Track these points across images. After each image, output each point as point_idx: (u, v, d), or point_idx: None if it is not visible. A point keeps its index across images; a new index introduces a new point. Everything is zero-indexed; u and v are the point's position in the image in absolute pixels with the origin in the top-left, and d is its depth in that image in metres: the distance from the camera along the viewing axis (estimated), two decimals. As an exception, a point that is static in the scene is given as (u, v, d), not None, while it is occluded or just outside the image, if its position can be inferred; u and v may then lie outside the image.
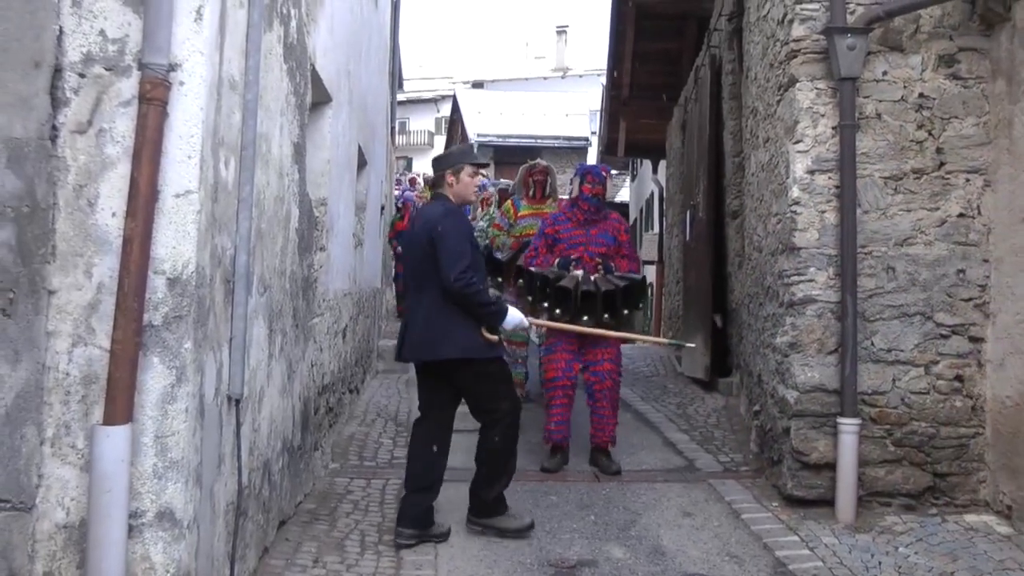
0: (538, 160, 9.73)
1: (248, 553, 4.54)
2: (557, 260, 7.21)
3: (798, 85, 6.17)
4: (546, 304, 7.01)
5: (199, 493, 3.61)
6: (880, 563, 5.15)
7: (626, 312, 7.22)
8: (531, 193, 9.06)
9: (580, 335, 7.01)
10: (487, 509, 5.64)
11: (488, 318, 5.43)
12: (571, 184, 7.83)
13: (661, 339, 5.50)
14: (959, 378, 5.97)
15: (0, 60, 3.27)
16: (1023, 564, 5.06)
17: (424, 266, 5.42)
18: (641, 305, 7.41)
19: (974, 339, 5.98)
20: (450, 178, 5.60)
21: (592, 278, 6.99)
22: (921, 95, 6.08)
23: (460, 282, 5.21)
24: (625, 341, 5.40)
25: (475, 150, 5.96)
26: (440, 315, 5.34)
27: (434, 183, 5.86)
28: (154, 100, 3.36)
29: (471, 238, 5.56)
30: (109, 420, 3.26)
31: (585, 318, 6.90)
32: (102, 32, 3.44)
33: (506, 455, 5.59)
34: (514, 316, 5.57)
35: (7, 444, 3.25)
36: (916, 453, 5.96)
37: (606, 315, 6.99)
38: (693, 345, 6.25)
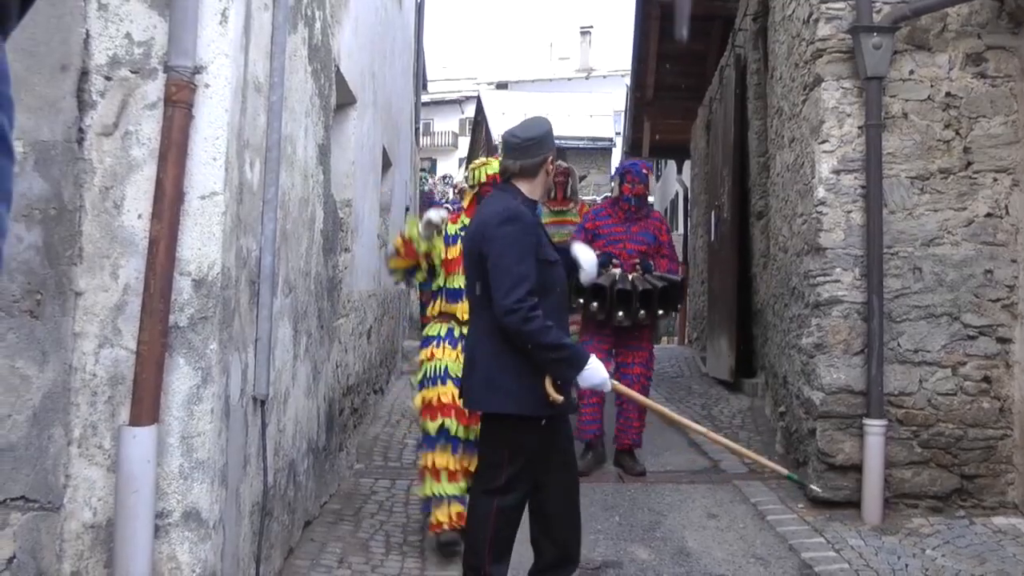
0: (559, 161, 9.71)
1: (273, 553, 4.56)
2: (597, 256, 7.11)
3: (824, 84, 6.14)
4: (581, 300, 6.89)
5: (225, 493, 3.63)
6: (907, 565, 5.12)
7: (661, 312, 7.09)
8: (552, 195, 9.04)
9: (615, 333, 6.94)
10: None
11: (554, 367, 3.99)
12: (612, 183, 7.71)
13: (776, 466, 4.34)
14: (986, 379, 5.92)
15: (27, 63, 3.30)
16: (1052, 567, 5.02)
17: (474, 283, 4.23)
18: (680, 306, 7.09)
19: (1002, 340, 5.92)
20: (550, 167, 4.34)
21: (630, 277, 6.89)
22: (948, 94, 6.03)
23: (515, 315, 3.88)
24: (737, 454, 4.76)
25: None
26: (490, 351, 4.10)
27: (510, 173, 4.31)
28: (180, 102, 3.37)
29: (540, 251, 4.09)
30: (135, 421, 3.28)
31: (620, 314, 6.77)
32: (128, 35, 3.46)
33: (487, 546, 4.16)
34: (594, 371, 4.00)
35: (35, 444, 3.28)
36: (943, 455, 5.91)
37: (642, 312, 6.82)
38: (818, 490, 5.59)
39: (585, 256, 4.56)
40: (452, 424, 5.06)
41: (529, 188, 4.27)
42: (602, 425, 7.16)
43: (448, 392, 5.07)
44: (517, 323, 3.87)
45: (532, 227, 4.11)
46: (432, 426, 5.12)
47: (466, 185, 5.37)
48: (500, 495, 4.10)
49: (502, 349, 4.01)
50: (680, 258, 9.72)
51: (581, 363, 3.97)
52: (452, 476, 5.08)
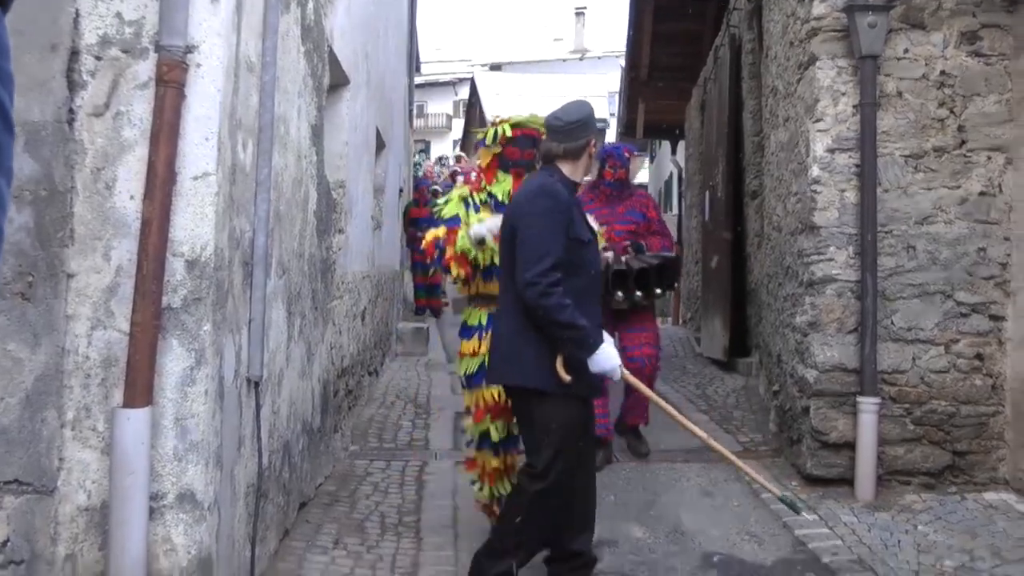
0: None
1: (269, 535, 4.57)
2: None
3: (818, 63, 6.13)
4: None
5: (219, 475, 3.63)
6: (899, 541, 5.14)
7: (659, 292, 6.75)
8: None
9: (614, 318, 6.45)
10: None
11: (567, 345, 4.01)
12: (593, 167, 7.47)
13: (774, 488, 4.18)
14: (979, 356, 5.94)
15: (16, 43, 3.26)
16: (1045, 543, 5.04)
17: (508, 259, 4.24)
18: (677, 284, 6.75)
19: (994, 317, 5.93)
20: (592, 149, 4.35)
21: (623, 259, 6.57)
22: (943, 72, 6.02)
23: (534, 288, 3.91)
24: (739, 467, 4.59)
25: None
26: (515, 325, 4.14)
27: (553, 155, 4.31)
28: (171, 82, 3.36)
29: (572, 228, 4.10)
30: (129, 403, 3.28)
31: (619, 294, 6.45)
32: (119, 14, 3.44)
33: (514, 531, 4.23)
34: (606, 356, 4.01)
35: (28, 427, 3.27)
36: (936, 432, 5.93)
37: (639, 293, 6.53)
38: (811, 517, 5.38)
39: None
40: (495, 432, 4.90)
41: (571, 170, 4.29)
42: (610, 420, 6.91)
43: (491, 393, 4.86)
44: (535, 297, 3.92)
45: (566, 204, 4.13)
46: (476, 430, 4.98)
47: (482, 146, 5.03)
48: (540, 479, 4.08)
49: (525, 324, 4.06)
50: (675, 236, 9.54)
51: (592, 346, 3.96)
52: (501, 475, 5.00)
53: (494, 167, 5.04)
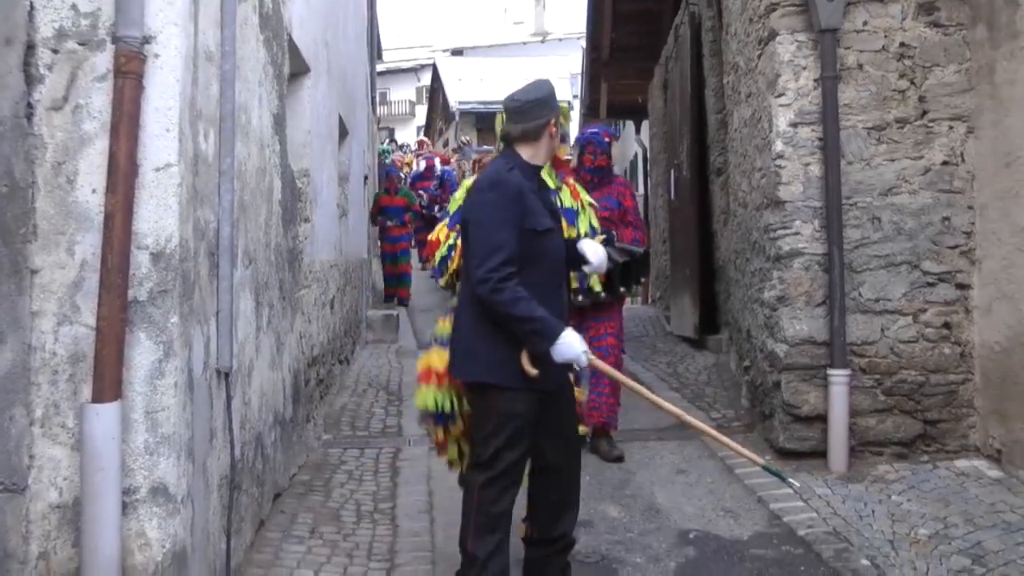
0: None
1: (244, 526, 4.55)
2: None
3: (778, 38, 6.15)
4: None
5: (192, 468, 3.60)
6: (873, 511, 5.18)
7: (623, 290, 6.47)
8: None
9: (578, 311, 6.17)
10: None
11: (527, 339, 3.83)
12: (571, 153, 7.08)
13: (756, 457, 3.87)
14: (947, 325, 5.99)
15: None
16: (1014, 506, 5.10)
17: (465, 253, 4.12)
18: (643, 280, 6.19)
19: (961, 286, 5.99)
20: (552, 129, 4.10)
21: None
22: (902, 44, 6.06)
23: (485, 285, 3.76)
24: (717, 440, 4.27)
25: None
26: (469, 321, 4.03)
27: (512, 138, 4.13)
28: (129, 74, 3.32)
29: (527, 219, 3.89)
30: (98, 398, 3.24)
31: (579, 298, 6.16)
32: (74, 6, 3.39)
33: (464, 529, 4.06)
34: (568, 345, 3.76)
35: (-4, 425, 3.23)
36: (906, 401, 5.99)
37: (603, 294, 6.24)
38: (797, 485, 5.06)
39: (594, 251, 4.32)
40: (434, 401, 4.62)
41: (531, 153, 4.07)
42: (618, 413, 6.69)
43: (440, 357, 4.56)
44: (487, 293, 3.76)
45: (515, 194, 3.90)
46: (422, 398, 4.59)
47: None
48: (486, 469, 3.94)
49: (480, 318, 3.91)
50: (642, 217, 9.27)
51: (552, 335, 3.74)
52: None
53: None
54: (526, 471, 4.16)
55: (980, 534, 4.79)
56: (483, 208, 3.91)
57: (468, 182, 4.68)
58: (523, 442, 3.96)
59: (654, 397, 4.22)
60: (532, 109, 4.06)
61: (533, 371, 3.81)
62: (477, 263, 3.80)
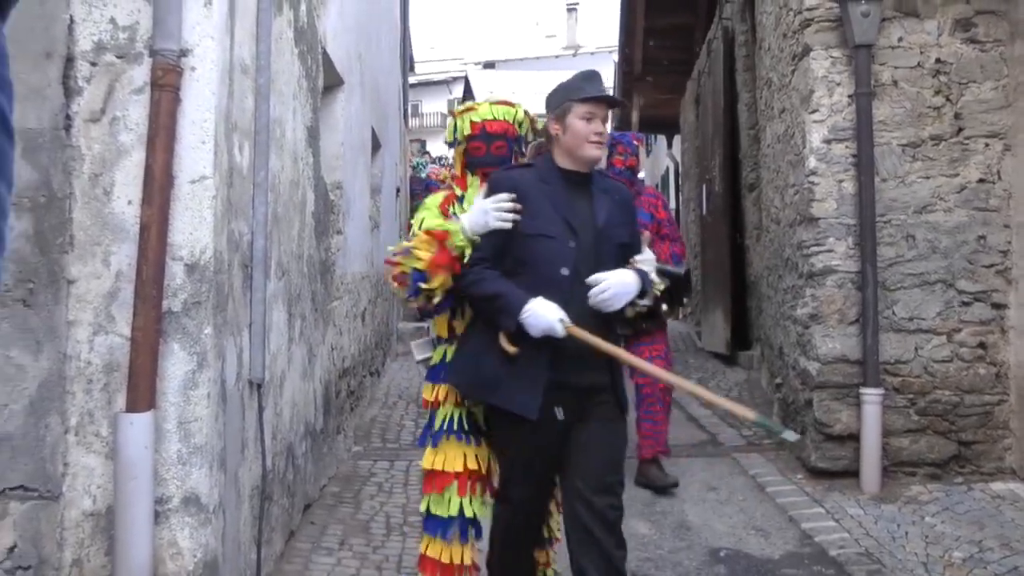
0: (543, 139, 9.62)
1: (274, 537, 4.56)
2: None
3: (812, 54, 6.12)
4: None
5: (224, 478, 3.62)
6: (906, 533, 5.13)
7: (666, 308, 5.84)
8: None
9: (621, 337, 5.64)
10: None
11: (497, 317, 3.48)
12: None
13: (747, 411, 3.45)
14: (982, 345, 5.93)
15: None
16: (1051, 530, 5.04)
17: None
18: (686, 301, 5.53)
19: (997, 305, 5.93)
20: (554, 127, 3.66)
21: None
22: (938, 60, 6.01)
23: (462, 281, 3.57)
24: (711, 407, 3.79)
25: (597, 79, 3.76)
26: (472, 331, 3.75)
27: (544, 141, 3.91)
28: (166, 86, 3.35)
29: (522, 222, 3.52)
30: (132, 407, 3.26)
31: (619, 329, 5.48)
32: (112, 20, 3.43)
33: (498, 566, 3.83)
34: (536, 315, 3.36)
35: (32, 434, 3.26)
36: (940, 422, 5.93)
37: (644, 325, 5.21)
38: (794, 438, 4.54)
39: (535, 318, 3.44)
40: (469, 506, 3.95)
41: (557, 152, 3.67)
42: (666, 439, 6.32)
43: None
44: (463, 287, 3.57)
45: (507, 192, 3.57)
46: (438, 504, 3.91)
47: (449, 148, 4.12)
48: (500, 501, 3.71)
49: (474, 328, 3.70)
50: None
51: (516, 308, 3.37)
52: None
53: (463, 168, 4.02)
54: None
55: (1017, 559, 4.72)
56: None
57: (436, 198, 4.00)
58: (527, 475, 3.61)
59: (700, 390, 3.75)
60: (547, 107, 3.75)
61: (512, 348, 3.43)
62: None
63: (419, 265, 3.55)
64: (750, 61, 9.31)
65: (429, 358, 4.03)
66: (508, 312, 3.42)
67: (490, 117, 3.91)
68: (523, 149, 4.11)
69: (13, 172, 1.05)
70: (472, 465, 3.76)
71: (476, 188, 3.84)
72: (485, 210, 3.53)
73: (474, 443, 3.80)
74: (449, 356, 3.86)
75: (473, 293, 3.56)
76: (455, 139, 3.97)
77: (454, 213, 3.79)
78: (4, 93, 0.99)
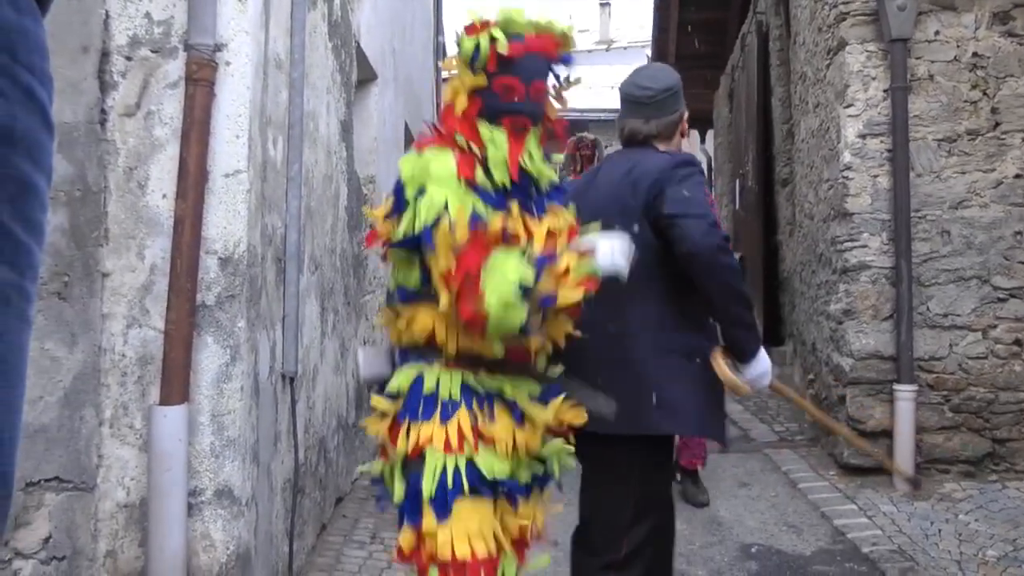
0: (585, 133, 9.61)
1: (306, 530, 4.58)
2: None
3: (848, 48, 6.07)
4: None
5: (256, 471, 3.64)
6: (940, 531, 5.09)
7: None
8: (578, 168, 8.91)
9: None
10: None
11: (742, 331, 3.02)
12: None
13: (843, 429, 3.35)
14: (1018, 342, 5.87)
15: (49, 46, 3.29)
16: (1087, 529, 4.98)
17: (644, 258, 2.78)
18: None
19: (1033, 302, 5.87)
20: (684, 127, 3.36)
21: None
22: (975, 54, 5.95)
23: (711, 237, 2.83)
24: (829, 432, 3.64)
25: None
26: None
27: (643, 136, 3.26)
28: (201, 81, 3.37)
29: None
30: (166, 400, 3.29)
31: None
32: (148, 15, 3.45)
33: None
34: (765, 354, 3.07)
35: (67, 426, 3.29)
36: (974, 419, 5.87)
37: None
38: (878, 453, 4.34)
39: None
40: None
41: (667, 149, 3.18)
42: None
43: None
44: (714, 247, 2.80)
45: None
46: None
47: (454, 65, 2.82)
48: (617, 570, 3.01)
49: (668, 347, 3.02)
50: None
51: (760, 337, 2.90)
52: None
53: (473, 115, 2.69)
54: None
55: (1051, 557, 4.69)
56: (690, 181, 2.93)
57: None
58: (660, 524, 3.19)
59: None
60: (667, 100, 3.25)
61: (736, 379, 2.99)
62: (702, 212, 2.84)
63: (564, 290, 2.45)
64: (784, 55, 9.25)
65: (385, 379, 2.76)
66: (756, 334, 3.02)
67: (532, 32, 2.67)
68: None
69: (52, 165, 1.06)
70: (514, 534, 2.72)
71: (502, 146, 2.64)
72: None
73: (512, 503, 2.71)
74: (452, 388, 2.61)
75: (736, 286, 2.91)
76: (472, 66, 2.69)
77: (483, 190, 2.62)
78: (45, 88, 1.00)
